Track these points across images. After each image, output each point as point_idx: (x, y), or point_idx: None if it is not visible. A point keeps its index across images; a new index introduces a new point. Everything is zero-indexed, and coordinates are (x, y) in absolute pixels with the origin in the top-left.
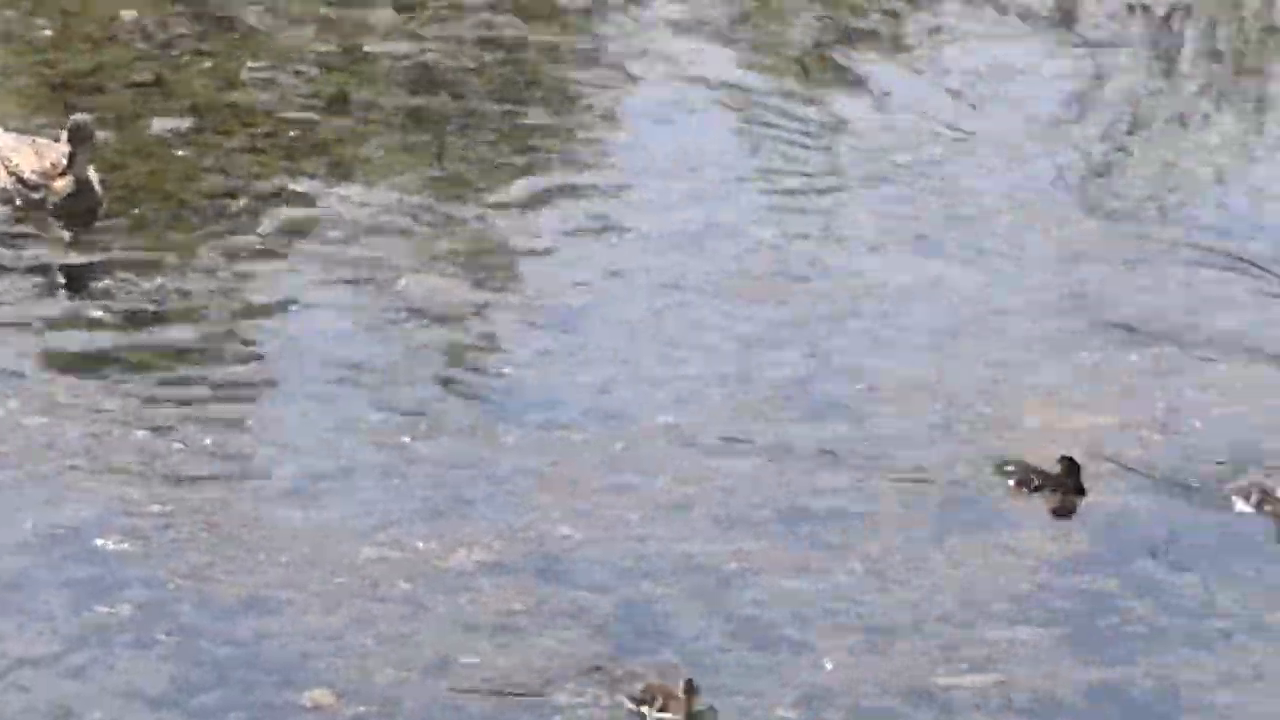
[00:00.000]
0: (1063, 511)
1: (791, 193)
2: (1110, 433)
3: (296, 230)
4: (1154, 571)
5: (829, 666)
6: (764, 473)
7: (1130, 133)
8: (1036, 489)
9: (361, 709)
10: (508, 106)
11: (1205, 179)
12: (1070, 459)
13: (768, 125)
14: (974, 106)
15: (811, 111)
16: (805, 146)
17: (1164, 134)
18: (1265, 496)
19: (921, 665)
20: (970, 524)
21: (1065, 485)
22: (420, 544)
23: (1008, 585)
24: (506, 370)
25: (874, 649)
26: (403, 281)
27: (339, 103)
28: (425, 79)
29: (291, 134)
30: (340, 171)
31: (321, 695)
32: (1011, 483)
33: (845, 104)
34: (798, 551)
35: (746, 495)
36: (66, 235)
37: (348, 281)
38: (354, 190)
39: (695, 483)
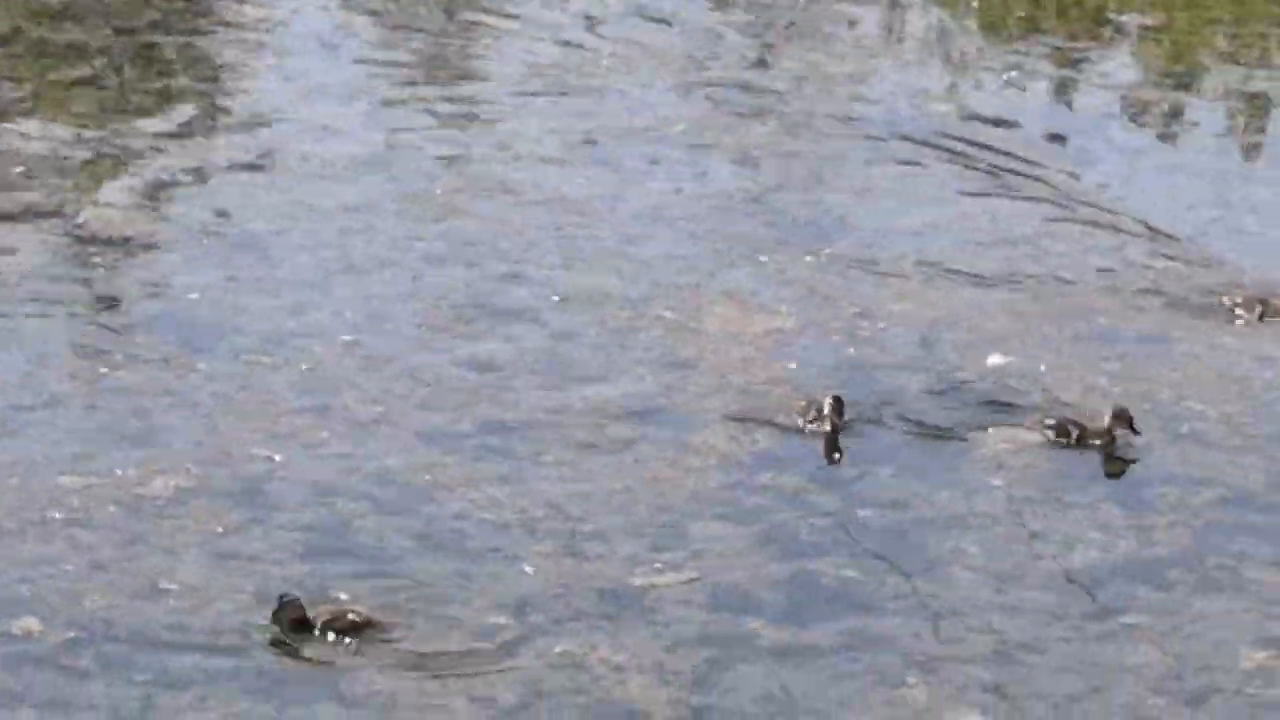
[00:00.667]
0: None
1: (466, 113)
2: (792, 334)
3: None
4: (841, 471)
5: (530, 571)
6: (455, 386)
7: (774, 44)
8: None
9: (71, 634)
10: (178, 39)
11: (852, 78)
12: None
13: (440, 44)
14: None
15: (475, 33)
16: (478, 63)
17: (804, 41)
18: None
19: (619, 567)
20: (660, 427)
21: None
22: (121, 472)
23: (698, 486)
24: (194, 297)
25: (573, 553)
26: (84, 214)
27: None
28: (93, 11)
29: None
30: (15, 108)
31: (31, 623)
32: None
33: (505, 27)
34: (492, 462)
35: (438, 410)
36: None
37: (30, 216)
38: (31, 126)
39: (387, 400)
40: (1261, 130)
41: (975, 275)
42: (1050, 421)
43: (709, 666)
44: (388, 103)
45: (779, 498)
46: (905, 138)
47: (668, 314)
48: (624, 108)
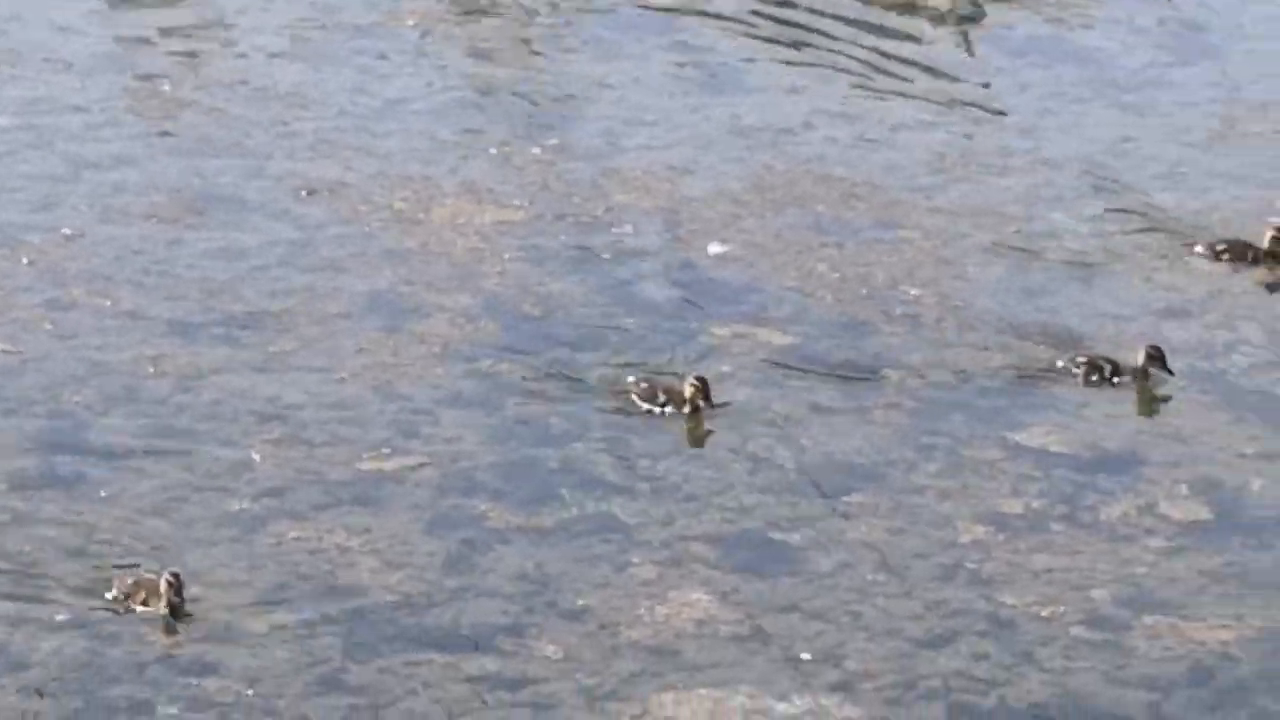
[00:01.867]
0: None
1: (200, 11)
2: (520, 225)
3: None
4: (564, 356)
5: (257, 459)
6: (186, 278)
7: None
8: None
9: None
10: None
11: None
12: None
13: None
14: None
15: None
16: None
17: None
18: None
19: (348, 453)
20: (388, 316)
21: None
22: None
23: (425, 374)
24: None
25: (299, 440)
26: None
27: None
28: None
29: None
30: None
31: None
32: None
33: None
34: (222, 353)
35: (169, 301)
36: None
37: None
38: None
39: (115, 292)
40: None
41: (702, 167)
42: (1081, 359)
43: (437, 549)
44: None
45: (507, 387)
46: (642, 29)
47: (401, 205)
48: (358, 2)
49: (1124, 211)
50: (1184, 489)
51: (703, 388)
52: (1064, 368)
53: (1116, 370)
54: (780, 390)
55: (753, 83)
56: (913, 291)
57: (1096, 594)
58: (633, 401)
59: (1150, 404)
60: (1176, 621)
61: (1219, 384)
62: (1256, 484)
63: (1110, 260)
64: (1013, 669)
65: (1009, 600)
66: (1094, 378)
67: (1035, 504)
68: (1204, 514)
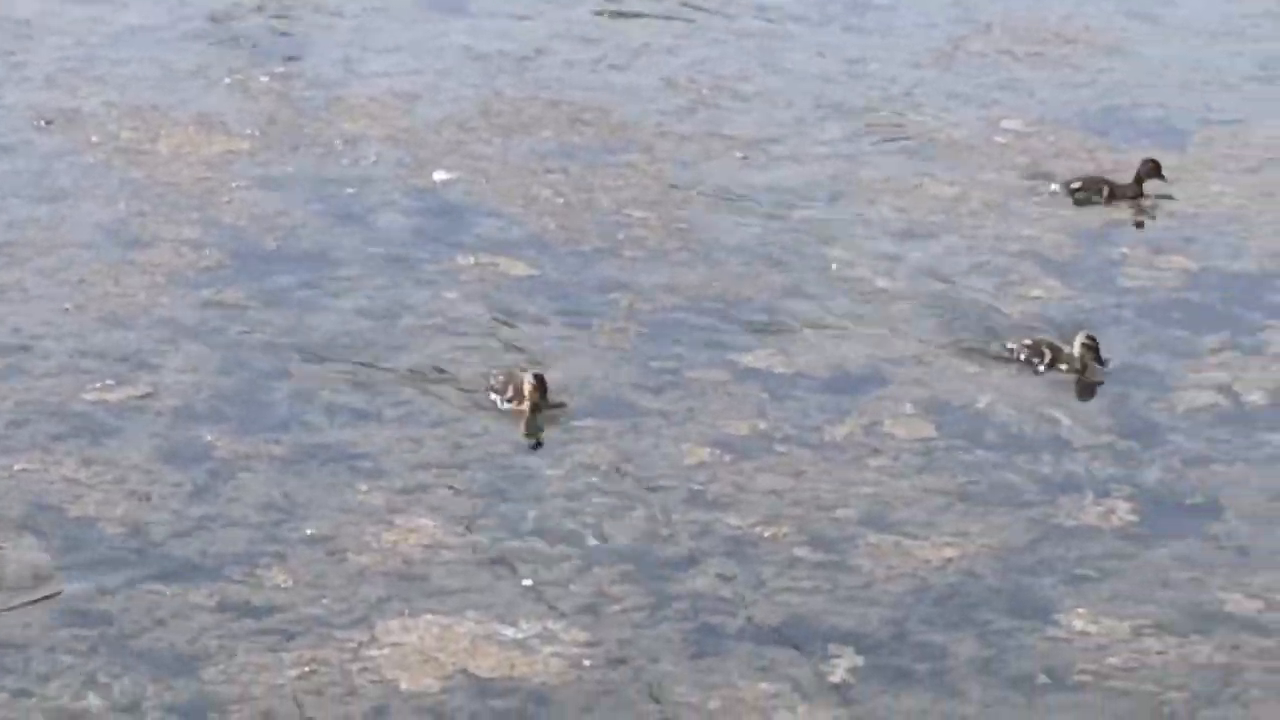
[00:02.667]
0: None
1: None
2: (247, 155)
3: None
4: (294, 294)
5: None
6: None
7: None
8: None
9: None
10: None
11: None
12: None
13: None
14: None
15: None
16: None
17: None
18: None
19: (69, 384)
20: (112, 248)
21: None
22: None
23: (150, 303)
24: None
25: (22, 371)
26: None
27: None
28: None
29: None
30: None
31: None
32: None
33: None
34: None
35: None
36: None
37: None
38: None
39: None
40: None
41: (435, 94)
42: (1027, 342)
43: (170, 479)
44: None
45: (234, 316)
46: None
47: (129, 135)
48: None
49: (863, 133)
50: (909, 408)
51: (539, 385)
52: (1009, 350)
53: (1056, 358)
54: (515, 316)
55: (495, 7)
56: (637, 215)
57: (821, 514)
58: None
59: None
60: (901, 539)
61: (945, 303)
62: (982, 402)
63: (845, 184)
64: (739, 590)
65: (734, 522)
66: (1036, 360)
67: (762, 425)
68: (929, 432)
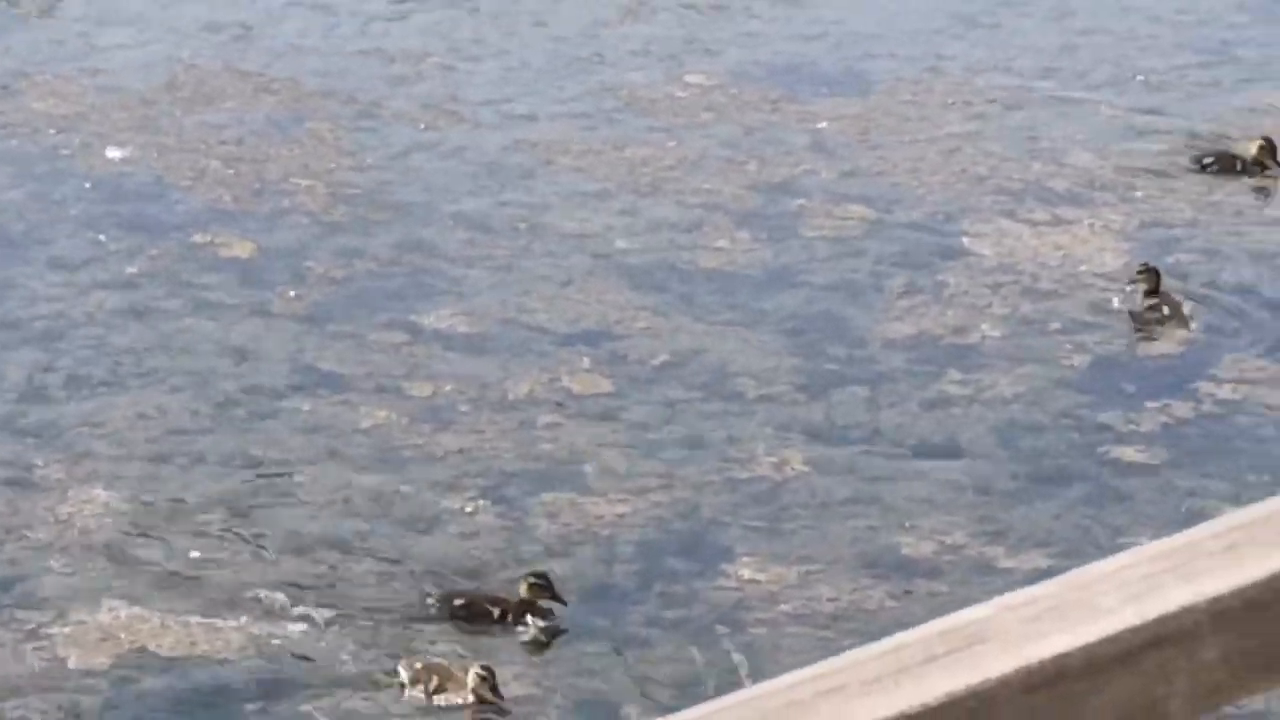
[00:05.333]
0: None
1: None
2: None
3: None
4: None
5: None
6: None
7: None
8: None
9: None
10: None
11: None
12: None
13: None
14: None
15: None
16: None
17: None
18: None
19: None
20: None
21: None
22: None
23: None
24: None
25: None
26: None
27: None
28: None
29: None
30: None
31: None
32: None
33: None
34: None
35: None
36: None
37: None
38: None
39: None
40: None
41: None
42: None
43: None
44: None
45: None
46: None
47: None
48: None
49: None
50: (585, 362)
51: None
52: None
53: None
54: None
55: None
56: (304, 183)
57: (497, 473)
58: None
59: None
60: (575, 496)
61: (634, 257)
62: (660, 358)
63: (533, 146)
64: (404, 548)
65: (408, 489)
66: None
67: (444, 386)
68: (605, 386)
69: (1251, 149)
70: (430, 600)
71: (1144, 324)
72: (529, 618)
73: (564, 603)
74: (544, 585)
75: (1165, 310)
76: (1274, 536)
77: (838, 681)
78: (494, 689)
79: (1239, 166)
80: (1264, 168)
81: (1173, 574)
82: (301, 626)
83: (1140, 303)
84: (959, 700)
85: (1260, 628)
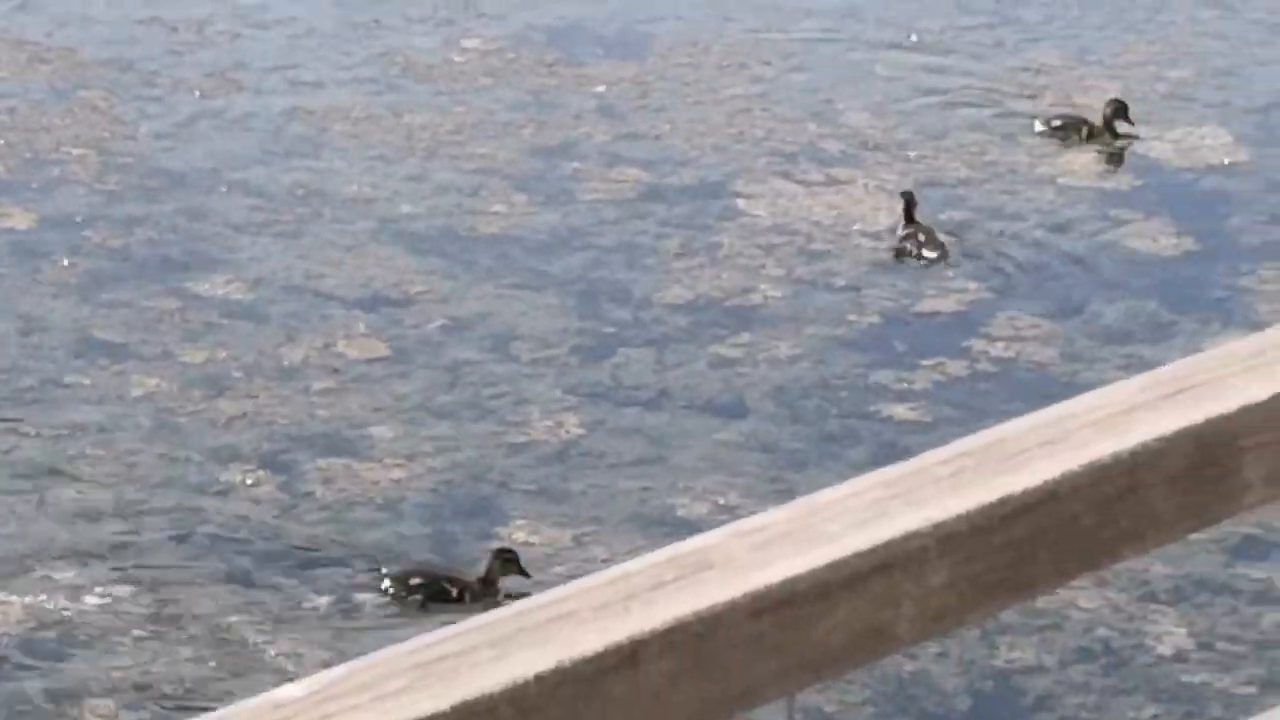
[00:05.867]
0: None
1: None
2: None
3: None
4: None
5: None
6: None
7: None
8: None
9: None
10: None
11: None
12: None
13: None
14: None
15: None
16: None
17: None
18: None
19: None
20: None
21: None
22: None
23: None
24: None
25: None
26: None
27: None
28: None
29: None
30: None
31: None
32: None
33: None
34: None
35: None
36: None
37: None
38: None
39: None
40: None
41: None
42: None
43: None
44: None
45: None
46: None
47: None
48: None
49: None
50: (362, 327)
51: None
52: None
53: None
54: None
55: None
56: (77, 152)
57: (275, 439)
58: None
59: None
60: (351, 462)
61: (393, 229)
62: (436, 322)
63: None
64: (180, 515)
65: (192, 452)
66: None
67: (222, 354)
68: (382, 350)
69: (1103, 112)
70: (385, 580)
71: (901, 254)
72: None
73: (528, 576)
74: (512, 560)
75: (921, 238)
76: (999, 463)
77: (568, 608)
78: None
79: (1087, 131)
80: (1114, 132)
81: (900, 500)
82: (91, 598)
83: (898, 232)
84: (686, 624)
85: (985, 553)
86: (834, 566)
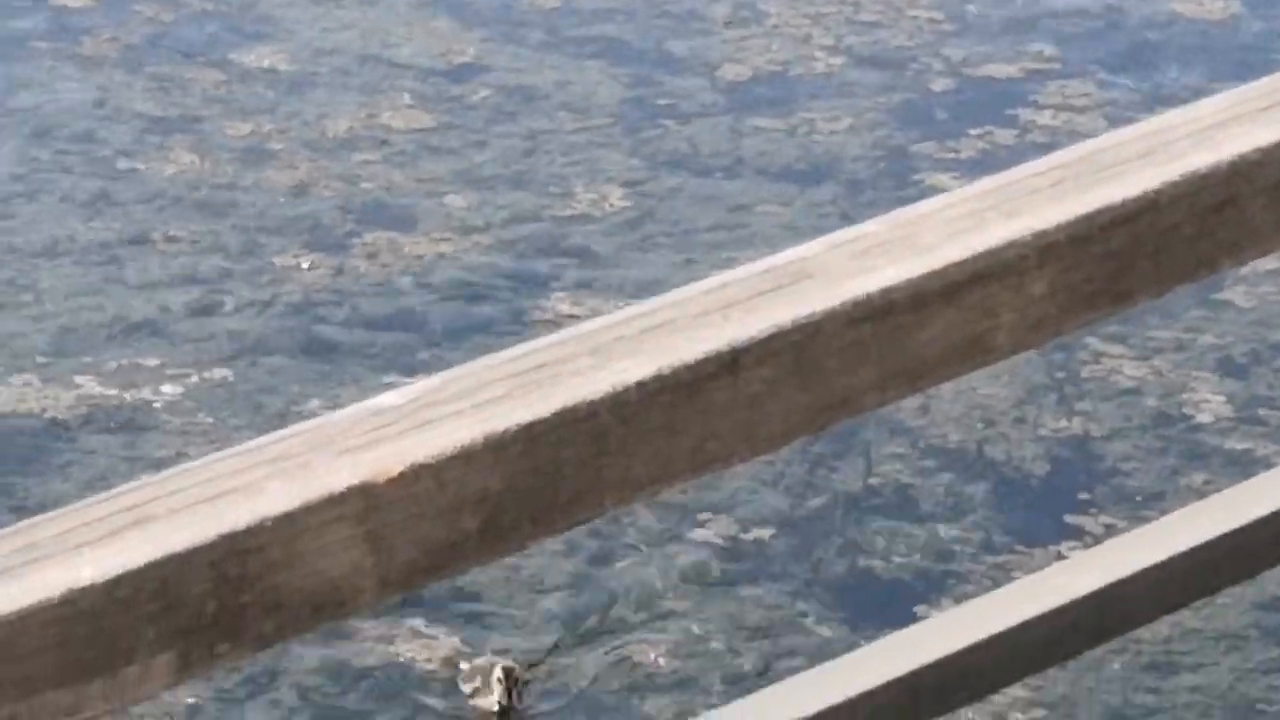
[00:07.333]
0: None
1: None
2: None
3: None
4: None
5: None
6: None
7: None
8: None
9: None
10: None
11: None
12: None
13: None
14: None
15: None
16: None
17: None
18: None
19: None
20: None
21: None
22: None
23: None
24: None
25: None
26: None
27: None
28: None
29: None
30: None
31: None
32: None
33: None
34: None
35: None
36: None
37: None
38: None
39: None
40: None
41: None
42: None
43: None
44: None
45: None
46: None
47: None
48: None
49: None
50: (407, 97)
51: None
52: None
53: None
54: None
55: None
56: None
57: (321, 215)
58: None
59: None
60: (397, 236)
61: None
62: (481, 91)
63: None
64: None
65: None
66: None
67: (263, 126)
68: (427, 122)
69: None
70: None
71: None
72: None
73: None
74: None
75: None
76: (1096, 174)
77: (665, 317)
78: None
79: None
80: None
81: (997, 210)
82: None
83: None
84: (784, 332)
85: (1084, 262)
86: (931, 276)
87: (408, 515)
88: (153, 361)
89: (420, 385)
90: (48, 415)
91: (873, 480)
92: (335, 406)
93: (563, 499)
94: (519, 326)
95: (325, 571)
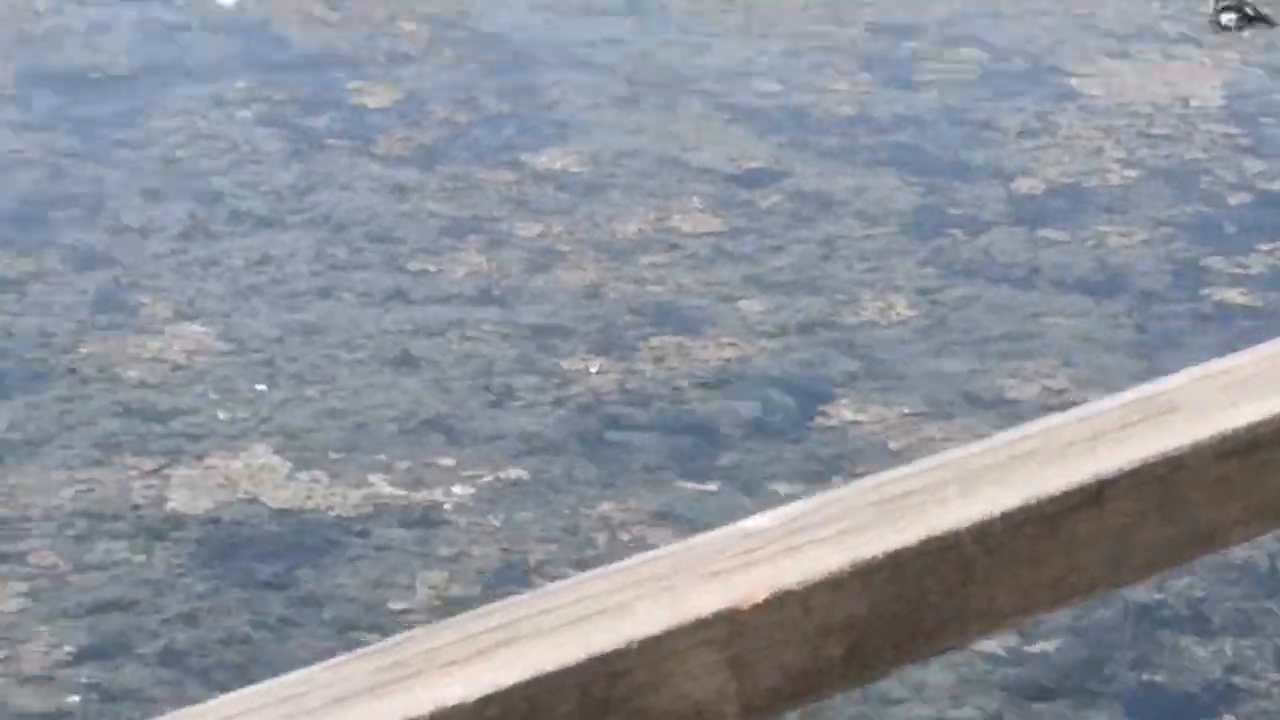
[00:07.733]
0: None
1: None
2: None
3: None
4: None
5: None
6: None
7: None
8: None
9: None
10: None
11: None
12: None
13: None
14: None
15: None
16: None
17: None
18: None
19: None
20: None
21: None
22: None
23: None
24: None
25: None
26: None
27: None
28: None
29: None
30: None
31: None
32: None
33: None
34: None
35: None
36: None
37: None
38: None
39: None
40: None
41: None
42: None
43: None
44: None
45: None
46: None
47: None
48: None
49: None
50: (697, 201)
51: None
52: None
53: None
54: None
55: None
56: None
57: (609, 317)
58: None
59: None
60: (683, 340)
61: (730, 104)
62: (774, 197)
63: None
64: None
65: (531, 319)
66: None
67: (553, 227)
68: (718, 225)
69: None
70: None
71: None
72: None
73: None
74: None
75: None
76: None
77: (1031, 446)
78: None
79: None
80: None
81: None
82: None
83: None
84: (1151, 465)
85: None
86: None
87: (772, 641)
88: (443, 460)
89: (791, 508)
90: (334, 512)
91: (1160, 594)
92: (626, 511)
93: (927, 627)
94: (805, 432)
95: (690, 695)
